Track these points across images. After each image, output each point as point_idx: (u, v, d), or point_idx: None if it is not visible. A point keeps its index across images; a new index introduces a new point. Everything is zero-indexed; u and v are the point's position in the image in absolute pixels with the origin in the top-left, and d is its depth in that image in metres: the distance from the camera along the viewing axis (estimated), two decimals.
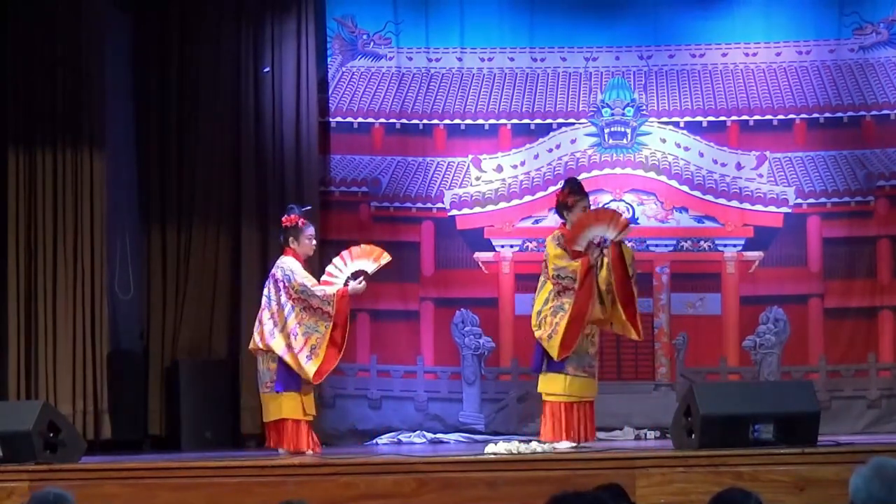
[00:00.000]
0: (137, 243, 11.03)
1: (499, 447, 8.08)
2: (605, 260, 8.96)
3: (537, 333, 9.02)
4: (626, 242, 9.12)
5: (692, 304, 11.39)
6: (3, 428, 7.84)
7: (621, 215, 9.25)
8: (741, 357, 11.28)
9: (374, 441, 11.05)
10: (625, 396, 11.20)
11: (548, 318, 8.95)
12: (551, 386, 8.96)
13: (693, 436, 7.59)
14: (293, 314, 9.13)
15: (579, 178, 11.46)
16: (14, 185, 10.30)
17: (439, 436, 11.12)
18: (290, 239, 9.29)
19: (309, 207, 9.73)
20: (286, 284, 9.13)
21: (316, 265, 11.03)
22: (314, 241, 9.38)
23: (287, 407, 9.10)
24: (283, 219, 9.37)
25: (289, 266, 9.20)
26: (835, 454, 7.32)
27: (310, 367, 9.01)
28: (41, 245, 10.24)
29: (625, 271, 8.92)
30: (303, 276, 9.18)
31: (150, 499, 7.47)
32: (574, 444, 8.77)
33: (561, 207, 9.21)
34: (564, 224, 9.15)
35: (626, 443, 10.42)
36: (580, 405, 8.94)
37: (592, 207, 9.30)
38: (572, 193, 9.16)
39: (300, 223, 9.26)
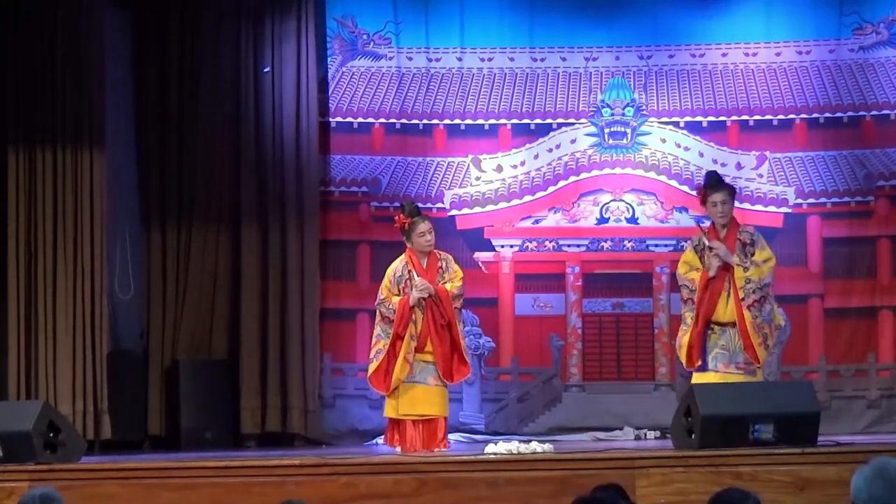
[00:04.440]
0: (137, 243, 11.02)
1: (499, 447, 8.06)
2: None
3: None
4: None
5: None
6: (3, 428, 7.82)
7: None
8: None
9: (374, 441, 11.03)
10: (625, 396, 11.21)
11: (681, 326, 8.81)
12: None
13: (693, 436, 7.57)
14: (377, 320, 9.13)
15: (579, 177, 11.51)
16: (14, 185, 10.30)
17: None
18: (405, 239, 9.13)
19: (418, 205, 9.33)
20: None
21: (317, 265, 11.05)
22: (427, 237, 9.02)
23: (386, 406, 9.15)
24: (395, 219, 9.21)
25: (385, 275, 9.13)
26: (835, 454, 7.30)
27: (370, 368, 9.08)
28: (41, 245, 10.24)
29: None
30: (383, 287, 9.08)
31: (150, 499, 7.46)
32: None
33: (703, 203, 8.86)
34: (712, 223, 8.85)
35: (626, 443, 10.41)
36: None
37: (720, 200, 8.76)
38: (705, 187, 8.79)
39: (406, 224, 9.04)
